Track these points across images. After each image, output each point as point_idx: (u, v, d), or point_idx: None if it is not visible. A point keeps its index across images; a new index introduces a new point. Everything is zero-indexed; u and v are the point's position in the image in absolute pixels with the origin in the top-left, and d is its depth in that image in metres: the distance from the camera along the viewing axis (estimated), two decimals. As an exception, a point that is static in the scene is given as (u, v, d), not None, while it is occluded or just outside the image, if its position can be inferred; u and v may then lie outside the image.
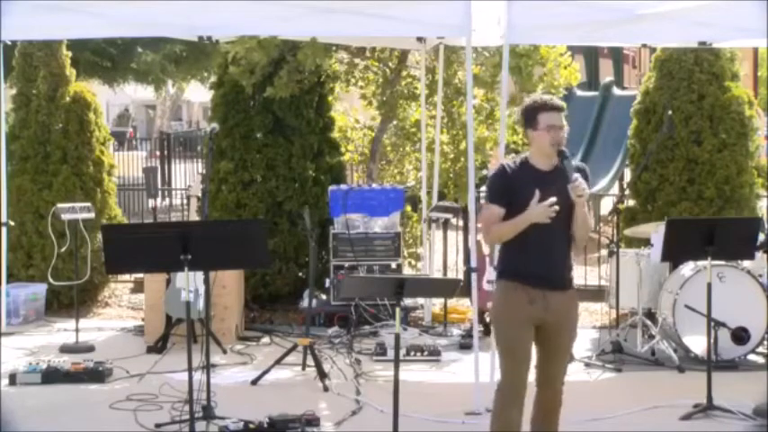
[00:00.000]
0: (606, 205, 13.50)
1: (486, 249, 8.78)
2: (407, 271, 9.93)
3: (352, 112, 11.16)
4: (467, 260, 9.63)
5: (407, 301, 8.95)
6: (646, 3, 6.83)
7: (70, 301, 9.15)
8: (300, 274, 9.67)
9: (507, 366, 5.11)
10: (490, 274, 7.65)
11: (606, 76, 18.82)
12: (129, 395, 6.93)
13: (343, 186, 9.37)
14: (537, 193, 4.99)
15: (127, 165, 16.99)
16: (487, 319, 8.58)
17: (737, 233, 6.87)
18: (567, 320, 5.19)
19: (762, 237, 7.54)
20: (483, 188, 11.20)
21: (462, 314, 9.44)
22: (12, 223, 8.47)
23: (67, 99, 9.99)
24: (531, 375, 5.18)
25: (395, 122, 10.41)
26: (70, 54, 10.20)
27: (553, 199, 4.97)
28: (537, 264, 5.08)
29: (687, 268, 8.00)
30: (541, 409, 5.25)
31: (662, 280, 8.23)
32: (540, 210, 4.99)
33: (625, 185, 12.45)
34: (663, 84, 9.37)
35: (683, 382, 7.30)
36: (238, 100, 9.71)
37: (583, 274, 10.37)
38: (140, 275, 9.64)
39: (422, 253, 9.88)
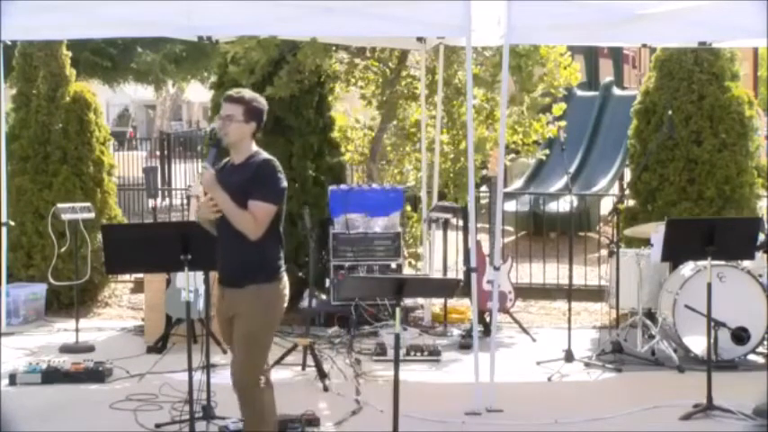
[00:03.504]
0: (606, 205, 13.50)
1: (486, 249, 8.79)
2: (407, 271, 9.93)
3: (352, 112, 11.15)
4: (467, 260, 9.62)
5: (407, 301, 8.95)
6: (646, 3, 6.83)
7: (70, 301, 9.15)
8: (300, 274, 9.65)
9: None
10: (490, 274, 7.66)
11: (606, 76, 18.80)
12: (129, 395, 6.94)
13: (343, 186, 9.37)
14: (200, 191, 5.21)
15: (127, 165, 16.97)
16: (487, 319, 8.60)
17: (737, 233, 6.87)
18: (241, 318, 5.12)
19: (762, 237, 7.55)
20: (483, 188, 11.28)
21: (462, 314, 9.44)
22: (12, 223, 8.47)
23: (67, 99, 10.00)
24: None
25: (395, 122, 10.41)
26: (70, 54, 10.21)
27: (208, 195, 5.12)
28: (221, 260, 5.24)
29: (687, 268, 8.00)
30: None
31: (662, 280, 8.23)
32: (200, 207, 5.20)
33: (625, 185, 12.45)
34: (663, 84, 9.37)
35: (683, 382, 7.30)
36: (238, 100, 9.69)
37: (583, 274, 10.38)
38: (140, 275, 9.64)
39: (422, 253, 9.88)
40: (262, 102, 5.30)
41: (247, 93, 5.31)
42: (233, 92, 5.29)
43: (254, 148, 5.29)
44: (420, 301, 9.35)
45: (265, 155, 5.29)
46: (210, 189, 5.10)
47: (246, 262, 5.13)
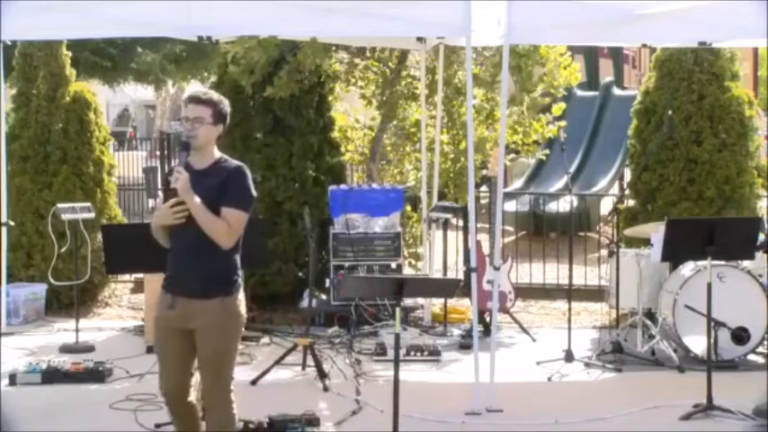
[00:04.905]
0: (606, 205, 13.51)
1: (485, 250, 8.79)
2: (407, 271, 9.93)
3: (352, 112, 11.16)
4: (467, 260, 9.63)
5: (407, 301, 8.95)
6: (646, 3, 6.83)
7: (70, 301, 9.15)
8: (300, 274, 9.67)
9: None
10: (490, 274, 7.66)
11: (606, 76, 18.81)
12: (129, 395, 6.93)
13: (343, 186, 9.37)
14: (160, 195, 4.88)
15: (127, 165, 16.98)
16: (487, 319, 8.60)
17: (737, 233, 6.87)
18: (208, 331, 4.83)
19: (762, 237, 7.55)
20: (483, 188, 11.29)
21: (462, 314, 9.44)
22: (12, 223, 8.48)
23: (67, 99, 10.00)
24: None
25: (395, 122, 10.41)
26: (70, 54, 10.21)
27: (172, 201, 4.81)
28: (175, 268, 4.93)
29: (687, 268, 8.00)
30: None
31: (662, 280, 8.23)
32: (162, 213, 4.89)
33: (625, 185, 12.45)
34: (663, 84, 9.37)
35: (683, 382, 7.29)
36: (238, 100, 9.67)
37: (583, 274, 10.38)
38: (140, 275, 9.64)
39: (422, 253, 9.88)
40: (227, 104, 5.07)
41: (215, 94, 5.07)
42: (200, 93, 5.08)
43: (218, 152, 5.03)
44: (420, 301, 9.35)
45: (235, 161, 5.03)
46: (185, 193, 4.81)
47: (214, 272, 4.84)
